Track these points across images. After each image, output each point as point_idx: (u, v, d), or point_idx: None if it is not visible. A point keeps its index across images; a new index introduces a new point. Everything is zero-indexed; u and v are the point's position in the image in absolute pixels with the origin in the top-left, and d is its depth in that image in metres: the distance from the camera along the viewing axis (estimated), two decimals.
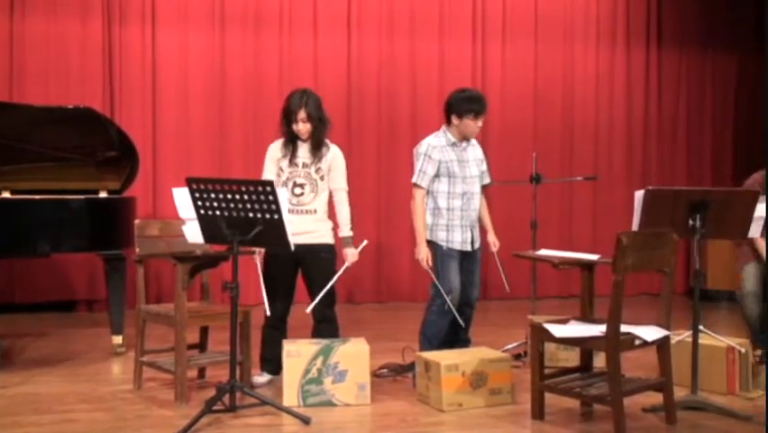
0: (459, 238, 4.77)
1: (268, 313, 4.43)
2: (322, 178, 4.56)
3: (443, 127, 4.86)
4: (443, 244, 4.75)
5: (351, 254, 4.57)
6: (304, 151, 4.55)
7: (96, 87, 6.90)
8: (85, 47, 6.91)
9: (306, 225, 4.50)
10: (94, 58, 6.92)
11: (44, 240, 5.05)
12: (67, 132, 5.52)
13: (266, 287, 4.41)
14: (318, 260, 4.53)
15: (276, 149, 4.60)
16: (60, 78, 6.85)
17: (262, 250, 4.44)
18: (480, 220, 4.93)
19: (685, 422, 3.93)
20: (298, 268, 4.59)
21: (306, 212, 4.54)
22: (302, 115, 4.47)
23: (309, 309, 4.50)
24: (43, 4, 6.85)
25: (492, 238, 4.98)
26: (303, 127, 4.50)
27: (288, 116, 4.51)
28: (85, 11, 6.92)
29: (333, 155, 4.58)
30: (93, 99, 6.56)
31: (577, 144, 8.07)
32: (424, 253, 4.72)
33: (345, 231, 4.59)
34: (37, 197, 5.16)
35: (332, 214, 4.64)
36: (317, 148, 4.53)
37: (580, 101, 8.07)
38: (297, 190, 4.53)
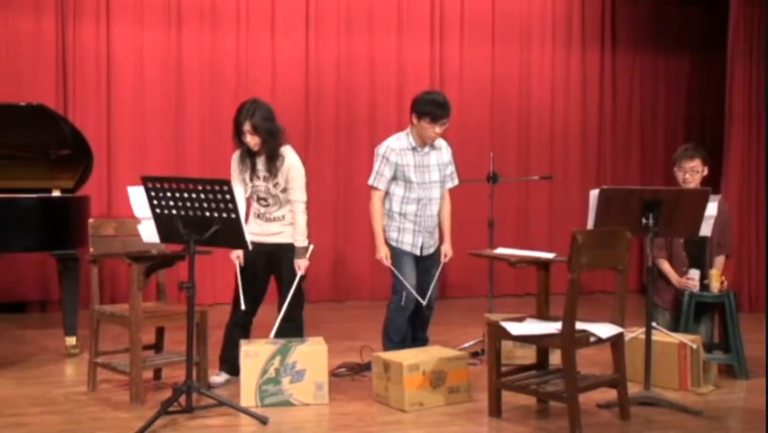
0: (409, 241, 4.78)
1: (243, 306, 4.44)
2: (283, 190, 4.52)
3: (408, 128, 4.80)
4: (393, 243, 4.78)
5: (303, 265, 4.54)
6: (261, 164, 4.49)
7: (49, 85, 6.77)
8: (38, 43, 6.77)
9: (273, 229, 4.55)
10: (47, 54, 6.79)
11: None
12: (19, 129, 5.41)
13: (242, 282, 4.46)
14: (287, 259, 4.54)
15: (236, 162, 4.55)
16: (12, 74, 6.69)
17: (240, 253, 4.45)
18: (440, 225, 4.90)
19: (639, 418, 3.99)
20: (272, 269, 4.59)
21: (274, 219, 4.55)
22: (247, 126, 4.39)
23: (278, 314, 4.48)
24: None
25: (446, 248, 4.91)
26: (251, 140, 4.42)
27: (237, 128, 4.44)
28: (38, 7, 6.78)
29: (289, 167, 4.49)
30: (46, 96, 6.43)
31: (533, 144, 8.14)
32: (383, 252, 4.74)
33: (299, 242, 4.54)
34: None
35: None
36: (271, 161, 4.46)
37: (536, 101, 8.14)
38: (263, 203, 4.53)
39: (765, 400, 3.97)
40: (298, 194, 4.53)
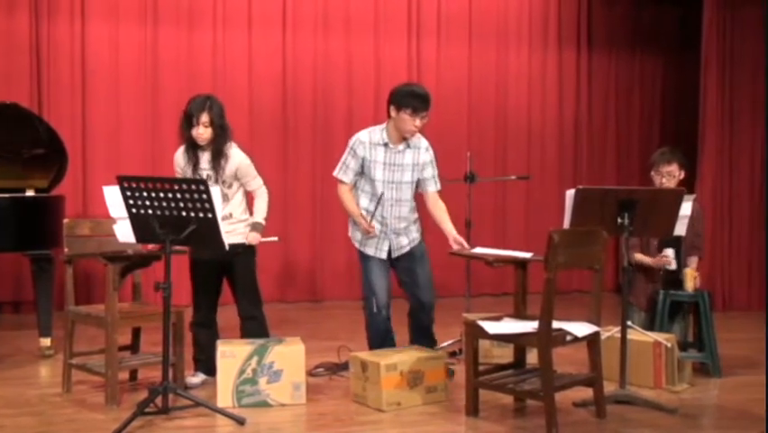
0: (373, 244, 4.59)
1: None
2: (230, 186, 4.47)
3: (385, 123, 4.59)
4: (357, 245, 4.63)
5: (252, 236, 4.47)
6: (205, 161, 4.41)
7: (22, 83, 6.69)
8: (11, 42, 6.70)
9: (223, 228, 4.44)
10: (20, 53, 6.71)
11: None
12: None
13: (195, 281, 4.52)
14: (237, 257, 4.46)
15: (179, 157, 4.50)
16: None
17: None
18: (438, 225, 4.71)
19: (614, 416, 4.03)
20: (224, 268, 4.55)
21: (222, 218, 4.43)
22: (204, 118, 4.32)
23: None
24: None
25: (454, 237, 4.60)
26: (204, 132, 4.34)
27: (189, 119, 4.35)
28: (11, 4, 6.71)
29: (237, 165, 4.43)
30: (19, 95, 6.35)
31: (510, 144, 8.18)
32: (365, 223, 4.48)
33: (257, 218, 4.51)
34: None
35: (247, 210, 4.59)
36: (218, 158, 4.39)
37: (513, 101, 8.18)
38: None
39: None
40: (254, 183, 4.51)
